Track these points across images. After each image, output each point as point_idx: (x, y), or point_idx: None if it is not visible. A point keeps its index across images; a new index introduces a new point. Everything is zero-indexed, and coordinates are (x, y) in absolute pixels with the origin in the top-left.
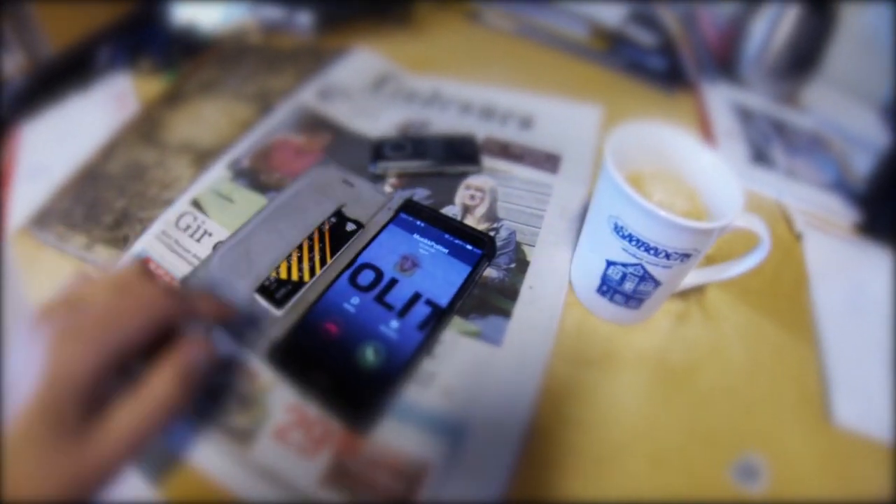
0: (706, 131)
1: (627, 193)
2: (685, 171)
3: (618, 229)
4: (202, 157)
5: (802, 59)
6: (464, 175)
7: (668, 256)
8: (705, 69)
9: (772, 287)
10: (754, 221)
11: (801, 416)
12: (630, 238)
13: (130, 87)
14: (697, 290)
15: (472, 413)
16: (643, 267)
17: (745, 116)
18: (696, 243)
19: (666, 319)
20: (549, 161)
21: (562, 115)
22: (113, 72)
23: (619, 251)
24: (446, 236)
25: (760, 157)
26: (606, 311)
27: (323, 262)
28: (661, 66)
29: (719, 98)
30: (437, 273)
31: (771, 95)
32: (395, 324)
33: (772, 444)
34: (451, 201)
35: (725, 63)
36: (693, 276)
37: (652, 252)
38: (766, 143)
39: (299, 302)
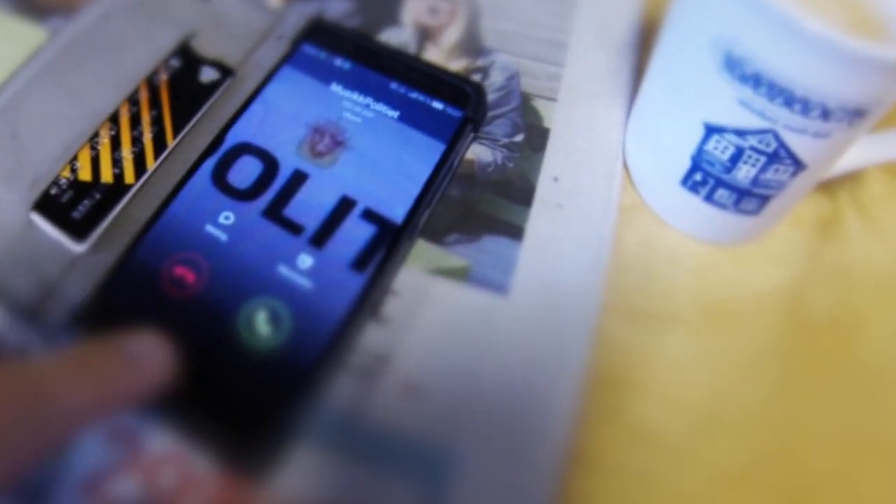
0: None
1: None
2: None
3: (733, 64)
4: None
5: None
6: None
7: (825, 115)
8: None
9: None
10: None
11: None
12: (757, 81)
13: None
14: (851, 179)
15: (462, 428)
16: (776, 135)
17: None
18: (883, 89)
19: (800, 232)
20: None
21: None
22: None
23: (733, 106)
24: (394, 86)
25: None
26: (698, 220)
27: (160, 145)
28: None
29: None
30: (380, 158)
31: None
32: (306, 260)
33: None
34: (394, 20)
35: None
36: (860, 153)
37: (798, 107)
38: None
39: (119, 225)
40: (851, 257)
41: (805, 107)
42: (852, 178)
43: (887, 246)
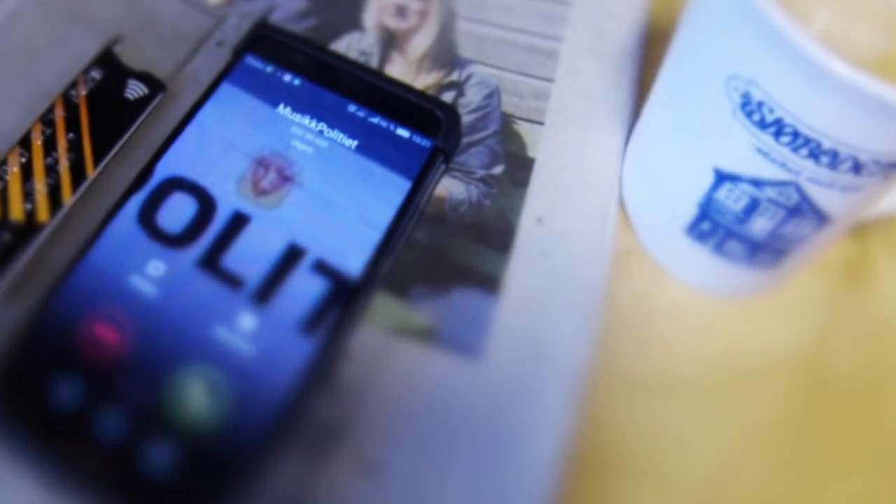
0: None
1: (785, 35)
2: None
3: (751, 109)
4: None
5: None
6: None
7: (856, 168)
8: None
9: None
10: None
11: None
12: (779, 129)
13: None
14: (884, 216)
15: None
16: (799, 188)
17: None
18: None
19: (823, 281)
20: None
21: None
22: None
23: (749, 154)
24: (352, 108)
25: None
26: (706, 273)
27: (79, 176)
28: None
29: None
30: (334, 198)
31: None
32: (247, 320)
33: None
34: (355, 23)
35: None
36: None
37: (826, 160)
38: None
39: (32, 272)
40: (882, 310)
41: (834, 160)
42: (886, 215)
43: None
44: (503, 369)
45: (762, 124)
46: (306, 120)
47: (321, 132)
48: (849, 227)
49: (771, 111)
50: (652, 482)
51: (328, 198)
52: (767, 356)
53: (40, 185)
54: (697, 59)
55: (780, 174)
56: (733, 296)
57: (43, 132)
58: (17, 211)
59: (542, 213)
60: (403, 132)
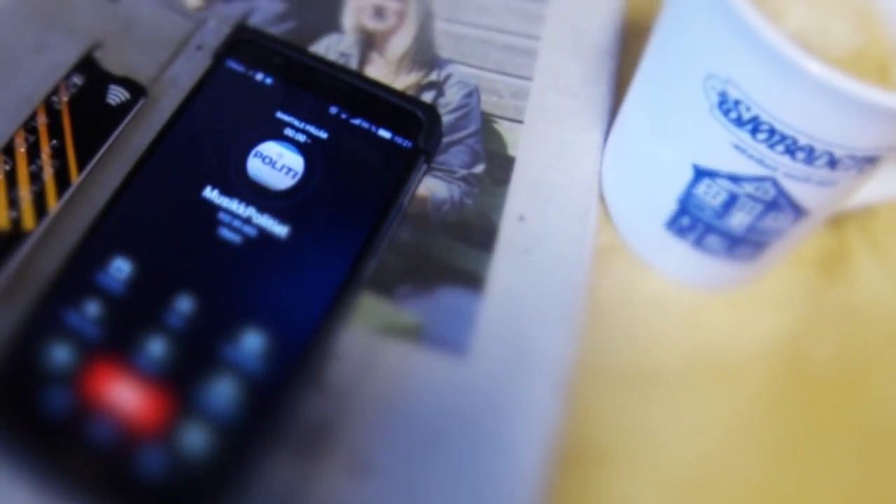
0: None
1: (760, 34)
2: None
3: (728, 107)
4: None
5: None
6: None
7: (832, 163)
8: None
9: None
10: None
11: None
12: (755, 126)
13: None
14: (859, 210)
15: None
16: (776, 183)
17: None
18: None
19: (801, 272)
20: None
21: None
22: None
23: (727, 150)
24: (333, 111)
25: None
26: (686, 266)
27: (63, 183)
28: None
29: None
30: (318, 200)
31: None
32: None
33: None
34: (334, 24)
35: None
36: (877, 188)
37: (802, 155)
38: None
39: (17, 282)
40: (860, 299)
41: (810, 155)
42: (862, 206)
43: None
44: (489, 365)
45: (739, 122)
46: (287, 123)
47: (302, 135)
48: (825, 220)
49: (748, 109)
50: (636, 473)
51: (311, 200)
52: (748, 347)
53: (25, 193)
54: (675, 58)
55: (757, 170)
56: (713, 289)
57: (26, 139)
58: (2, 219)
59: (523, 211)
60: (384, 133)
